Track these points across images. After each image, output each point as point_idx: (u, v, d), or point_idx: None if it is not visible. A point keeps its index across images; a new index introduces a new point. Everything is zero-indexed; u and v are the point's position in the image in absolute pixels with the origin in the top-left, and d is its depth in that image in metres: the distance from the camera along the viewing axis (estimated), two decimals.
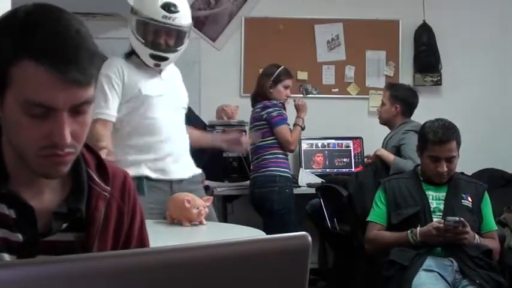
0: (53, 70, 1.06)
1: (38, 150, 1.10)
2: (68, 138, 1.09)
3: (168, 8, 2.77)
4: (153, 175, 2.85)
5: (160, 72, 2.91)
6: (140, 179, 2.79)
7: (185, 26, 2.84)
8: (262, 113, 4.25)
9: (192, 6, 5.23)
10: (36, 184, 1.18)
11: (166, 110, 2.89)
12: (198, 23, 5.21)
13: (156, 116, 2.85)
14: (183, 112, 3.03)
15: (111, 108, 2.78)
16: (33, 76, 1.06)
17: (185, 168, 2.96)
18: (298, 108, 4.44)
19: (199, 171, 3.06)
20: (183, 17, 2.82)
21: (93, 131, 2.48)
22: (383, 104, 4.21)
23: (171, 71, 2.98)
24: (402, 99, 4.12)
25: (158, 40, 2.81)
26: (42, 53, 1.06)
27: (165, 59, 2.86)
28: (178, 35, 2.84)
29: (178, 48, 2.87)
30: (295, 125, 4.38)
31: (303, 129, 4.43)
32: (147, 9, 2.78)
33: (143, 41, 2.81)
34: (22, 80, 1.07)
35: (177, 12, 2.79)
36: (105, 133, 2.72)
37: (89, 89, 1.11)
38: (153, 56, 2.83)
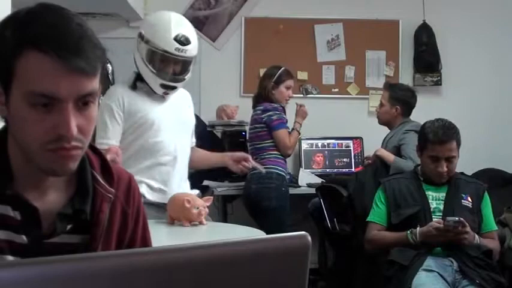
0: (55, 58, 1.05)
1: (44, 144, 1.09)
2: (74, 130, 1.08)
3: (181, 40, 2.78)
4: (150, 197, 2.86)
5: (165, 97, 2.94)
6: None
7: (194, 56, 2.87)
8: (263, 115, 4.27)
9: (192, 6, 5.27)
10: (42, 185, 1.17)
11: (171, 134, 2.91)
12: (198, 23, 5.21)
13: (160, 140, 2.87)
14: (189, 135, 3.05)
15: (111, 138, 2.82)
16: (36, 65, 1.06)
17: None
18: (297, 113, 4.47)
19: (196, 192, 3.07)
20: (194, 49, 2.84)
21: None
22: (382, 104, 4.21)
23: (178, 95, 2.99)
24: (402, 100, 4.13)
25: (167, 70, 2.83)
26: (44, 42, 1.05)
27: (174, 88, 2.90)
28: (186, 64, 2.87)
29: (186, 77, 2.90)
30: (293, 129, 4.40)
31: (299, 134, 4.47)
32: (160, 40, 2.79)
33: (155, 71, 2.82)
34: (25, 71, 1.07)
35: (189, 44, 2.80)
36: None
37: (93, 80, 1.10)
38: (163, 86, 2.86)
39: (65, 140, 1.09)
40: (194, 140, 3.15)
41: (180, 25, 2.83)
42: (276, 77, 4.35)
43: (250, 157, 3.16)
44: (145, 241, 1.34)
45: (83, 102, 1.10)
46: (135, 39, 2.89)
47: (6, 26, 1.10)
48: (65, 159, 1.11)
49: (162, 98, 2.92)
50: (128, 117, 2.86)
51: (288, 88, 4.38)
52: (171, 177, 2.91)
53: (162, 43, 2.78)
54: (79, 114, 1.09)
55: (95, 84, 1.11)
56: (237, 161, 3.07)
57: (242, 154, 3.15)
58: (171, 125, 2.92)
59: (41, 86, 1.06)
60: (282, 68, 4.41)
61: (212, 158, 3.24)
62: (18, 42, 1.07)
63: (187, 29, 2.85)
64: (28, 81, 1.07)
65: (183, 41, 2.78)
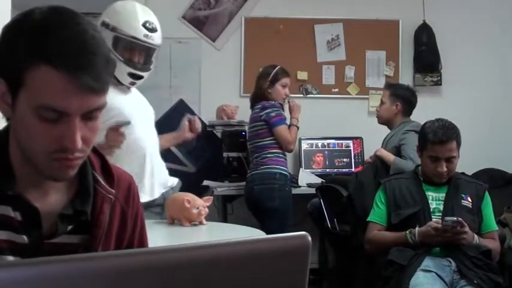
0: (69, 76, 1.06)
1: (48, 153, 1.11)
2: (79, 144, 1.10)
3: (149, 27, 2.76)
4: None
5: (130, 89, 2.91)
6: None
7: (159, 45, 2.85)
8: (261, 113, 4.27)
9: (192, 6, 5.27)
10: (42, 186, 1.18)
11: (141, 125, 2.86)
12: (198, 23, 5.21)
13: (135, 137, 2.81)
14: (153, 125, 3.02)
15: None
16: (49, 81, 1.07)
17: (160, 185, 2.93)
18: (292, 109, 4.47)
19: (175, 180, 3.03)
20: (160, 37, 2.83)
21: None
22: (383, 103, 4.21)
23: (134, 89, 2.95)
24: (403, 97, 4.14)
25: (134, 58, 2.79)
26: (59, 59, 1.06)
27: (141, 77, 2.84)
28: (151, 53, 2.83)
29: (151, 67, 2.86)
30: (291, 125, 4.40)
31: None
32: (128, 26, 2.75)
33: (122, 59, 2.76)
34: (37, 84, 1.07)
35: (156, 31, 2.79)
36: None
37: (102, 96, 1.12)
38: (130, 75, 2.80)
39: (69, 152, 1.11)
40: None
41: (146, 13, 2.81)
42: (271, 76, 4.34)
43: (191, 118, 3.22)
44: (143, 243, 1.35)
45: (89, 116, 1.12)
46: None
47: (20, 32, 1.10)
48: (67, 168, 1.14)
49: (127, 90, 2.86)
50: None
51: (284, 86, 4.37)
52: (144, 171, 2.85)
53: (131, 30, 2.74)
54: (84, 125, 1.11)
55: (103, 98, 1.13)
56: (186, 131, 3.16)
57: (186, 124, 3.20)
58: (141, 119, 2.88)
59: (51, 101, 1.07)
60: (277, 67, 4.40)
61: (164, 144, 3.21)
62: (31, 54, 1.07)
63: (153, 17, 2.83)
64: (39, 95, 1.08)
65: (151, 28, 2.77)
